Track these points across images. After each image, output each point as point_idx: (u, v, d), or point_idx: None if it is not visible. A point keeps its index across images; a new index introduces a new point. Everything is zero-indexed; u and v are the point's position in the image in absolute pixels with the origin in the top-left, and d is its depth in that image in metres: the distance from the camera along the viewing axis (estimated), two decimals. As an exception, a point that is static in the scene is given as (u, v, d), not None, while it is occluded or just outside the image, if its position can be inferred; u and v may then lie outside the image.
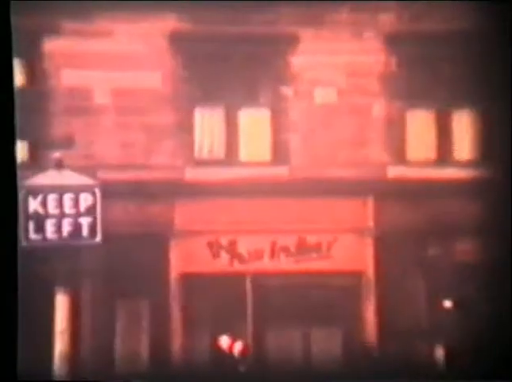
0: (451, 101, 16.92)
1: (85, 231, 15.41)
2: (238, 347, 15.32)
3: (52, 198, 15.35)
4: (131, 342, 15.96)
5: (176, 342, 16.48)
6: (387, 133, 16.79)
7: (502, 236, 16.38)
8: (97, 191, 15.55)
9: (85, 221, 15.46)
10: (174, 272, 16.59)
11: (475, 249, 16.59)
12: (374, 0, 15.84)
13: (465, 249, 16.63)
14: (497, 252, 16.35)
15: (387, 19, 16.73)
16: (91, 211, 15.45)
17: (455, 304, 16.27)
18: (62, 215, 15.41)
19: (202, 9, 16.61)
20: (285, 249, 16.67)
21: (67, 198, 15.51)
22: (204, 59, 16.70)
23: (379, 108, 16.80)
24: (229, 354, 15.56)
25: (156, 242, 16.09)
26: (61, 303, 15.26)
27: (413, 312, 16.51)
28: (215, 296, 16.48)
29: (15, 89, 12.06)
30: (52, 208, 15.12)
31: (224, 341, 15.63)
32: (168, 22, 16.61)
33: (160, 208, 16.39)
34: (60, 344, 14.93)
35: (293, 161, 16.76)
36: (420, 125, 16.96)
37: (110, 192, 15.63)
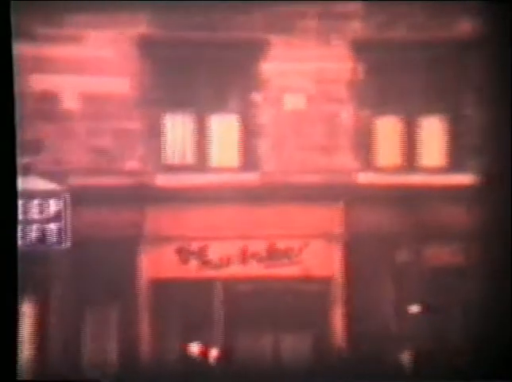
0: (419, 108, 16.53)
1: (53, 237, 14.68)
2: (214, 353, 14.65)
3: (20, 204, 14.60)
4: (100, 349, 15.21)
5: (146, 349, 15.92)
6: (356, 139, 16.31)
7: (471, 241, 16.14)
8: (66, 196, 14.86)
9: (54, 227, 14.76)
10: (144, 278, 15.98)
11: (444, 254, 16.18)
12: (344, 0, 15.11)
13: (435, 254, 16.19)
14: (468, 256, 16.08)
15: (355, 26, 16.28)
16: (59, 217, 14.78)
17: (424, 309, 15.83)
18: (30, 221, 14.67)
19: (171, 13, 16.08)
20: (256, 255, 16.13)
21: (36, 204, 14.79)
22: (174, 64, 16.17)
23: (348, 115, 16.32)
24: (200, 360, 14.85)
25: (126, 248, 15.37)
26: (29, 309, 14.41)
27: (382, 317, 16.07)
28: (184, 302, 15.94)
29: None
30: (19, 213, 14.36)
31: (194, 347, 14.95)
32: (137, 27, 16.06)
33: (130, 214, 15.81)
34: (27, 350, 14.14)
35: (263, 167, 16.24)
36: (388, 131, 16.51)
37: (79, 197, 14.96)
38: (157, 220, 15.95)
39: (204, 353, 15.13)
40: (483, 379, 14.52)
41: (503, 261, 15.52)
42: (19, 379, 11.77)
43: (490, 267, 15.47)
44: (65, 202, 15.07)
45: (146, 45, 16.06)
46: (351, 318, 15.99)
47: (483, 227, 16.03)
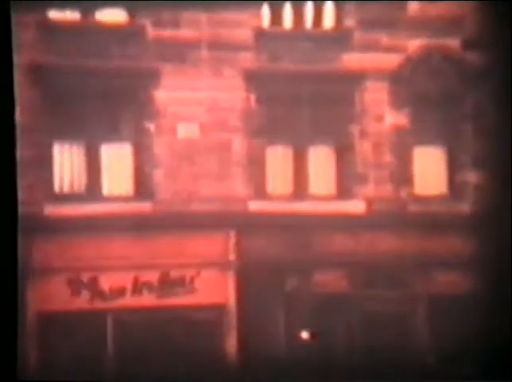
0: (308, 137, 13.45)
1: None
2: None
3: None
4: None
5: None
6: (248, 168, 13.18)
7: (358, 268, 13.12)
8: None
9: None
10: (31, 311, 12.32)
11: (333, 280, 13.13)
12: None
13: (324, 281, 13.13)
14: (356, 282, 13.14)
15: (246, 57, 13.16)
16: None
17: (313, 335, 12.91)
18: None
19: (61, 41, 12.60)
20: (148, 284, 12.71)
21: None
22: (64, 92, 12.64)
23: (240, 144, 13.17)
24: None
25: (11, 279, 10.72)
26: None
27: (273, 343, 12.92)
28: (74, 335, 12.38)
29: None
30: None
31: None
32: (26, 53, 12.41)
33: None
34: None
35: (156, 196, 12.89)
36: (279, 160, 13.43)
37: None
38: (46, 250, 12.36)
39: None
40: (483, 379, 11.81)
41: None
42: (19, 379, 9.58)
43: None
44: None
45: (35, 72, 12.52)
46: (243, 344, 12.78)
47: (370, 253, 13.10)
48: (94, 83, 12.72)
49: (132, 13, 12.73)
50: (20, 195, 10.07)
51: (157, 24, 12.82)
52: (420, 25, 13.31)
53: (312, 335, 12.91)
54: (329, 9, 13.49)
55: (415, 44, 13.32)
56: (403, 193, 13.33)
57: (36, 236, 12.25)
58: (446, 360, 12.44)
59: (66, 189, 12.79)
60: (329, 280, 13.11)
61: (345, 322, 13.01)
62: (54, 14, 12.66)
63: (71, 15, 12.76)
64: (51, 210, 12.47)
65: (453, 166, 13.38)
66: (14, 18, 10.73)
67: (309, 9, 13.47)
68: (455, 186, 13.32)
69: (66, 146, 12.83)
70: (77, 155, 12.90)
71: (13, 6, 9.78)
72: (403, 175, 13.35)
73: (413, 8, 13.40)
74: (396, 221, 13.00)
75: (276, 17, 13.39)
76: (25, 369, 12.09)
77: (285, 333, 13.10)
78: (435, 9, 13.29)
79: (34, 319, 12.23)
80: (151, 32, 12.84)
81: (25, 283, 12.25)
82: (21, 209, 12.17)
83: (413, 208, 13.25)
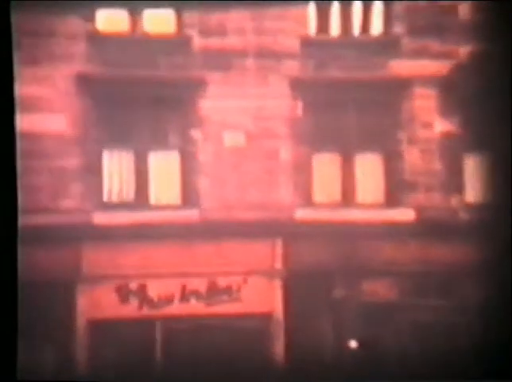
0: (356, 145, 13.40)
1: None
2: None
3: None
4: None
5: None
6: (294, 176, 13.15)
7: (407, 277, 13.01)
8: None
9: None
10: (81, 319, 12.53)
11: (382, 289, 13.06)
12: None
13: (372, 290, 13.05)
14: (403, 292, 13.01)
15: (292, 65, 13.15)
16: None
17: (361, 344, 12.79)
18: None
19: (110, 51, 12.82)
20: (196, 292, 12.80)
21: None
22: (112, 101, 12.85)
23: (286, 151, 13.15)
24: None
25: (62, 288, 12.29)
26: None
27: (320, 352, 12.83)
28: (123, 342, 12.51)
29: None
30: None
31: None
32: (75, 64, 12.72)
33: (68, 253, 12.38)
34: None
35: (203, 204, 12.93)
36: (326, 168, 13.39)
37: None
38: (95, 258, 12.54)
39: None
40: (483, 379, 11.63)
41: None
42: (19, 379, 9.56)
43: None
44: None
45: (84, 82, 12.75)
46: (290, 353, 12.73)
47: (420, 262, 12.96)
48: (142, 93, 12.89)
49: (179, 18, 12.91)
50: (24, 198, 10.13)
51: (204, 33, 12.95)
52: (471, 30, 13.13)
53: (361, 344, 12.81)
54: (377, 15, 13.42)
55: (466, 49, 13.15)
56: (453, 201, 13.15)
57: (86, 244, 12.43)
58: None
59: (115, 197, 12.96)
60: (377, 289, 12.99)
61: (394, 332, 12.86)
62: (102, 25, 12.88)
63: (119, 26, 12.96)
64: (100, 218, 12.65)
65: (503, 174, 13.16)
66: (63, 29, 10.97)
67: (357, 15, 13.42)
68: (505, 194, 13.09)
69: (115, 155, 13.02)
70: (126, 164, 13.08)
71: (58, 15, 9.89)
72: (453, 183, 13.18)
73: (463, 12, 13.23)
74: (446, 229, 12.83)
75: (322, 25, 13.38)
76: (75, 376, 12.29)
77: (333, 342, 13.00)
78: (485, 14, 13.11)
79: (83, 327, 12.39)
80: (198, 41, 12.97)
81: (75, 291, 12.46)
82: (70, 218, 12.47)
83: (463, 216, 13.07)
